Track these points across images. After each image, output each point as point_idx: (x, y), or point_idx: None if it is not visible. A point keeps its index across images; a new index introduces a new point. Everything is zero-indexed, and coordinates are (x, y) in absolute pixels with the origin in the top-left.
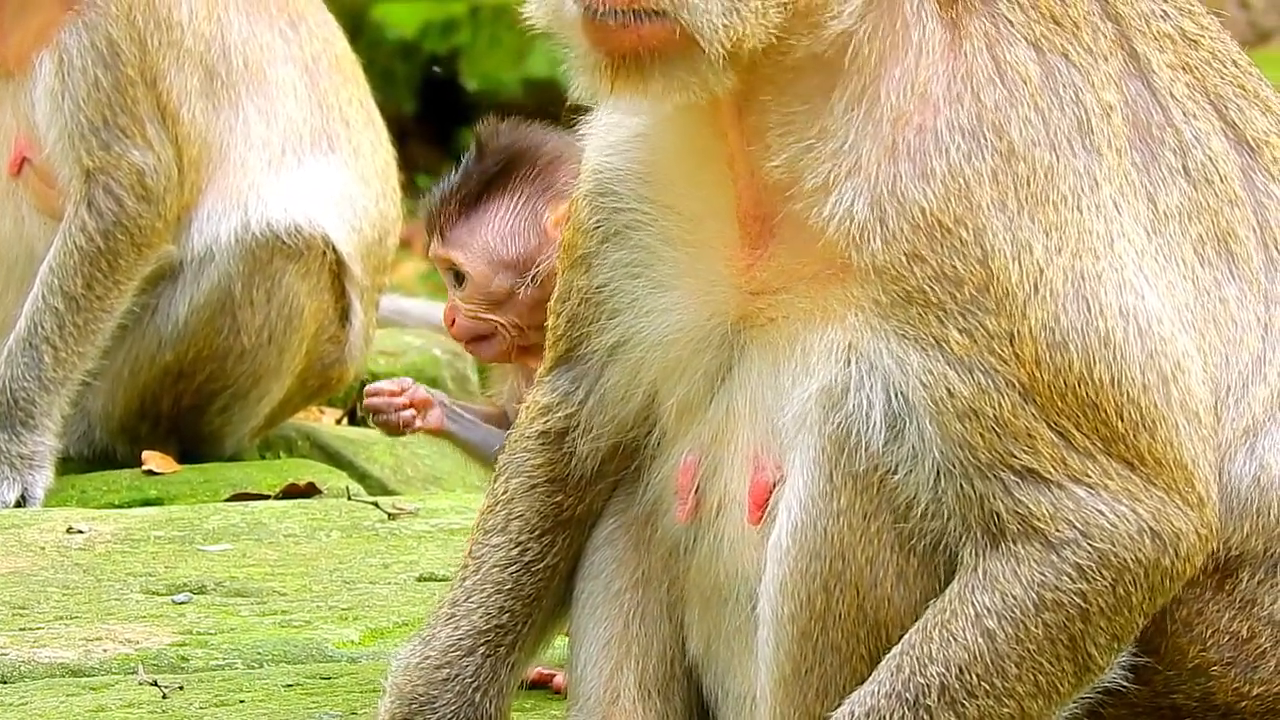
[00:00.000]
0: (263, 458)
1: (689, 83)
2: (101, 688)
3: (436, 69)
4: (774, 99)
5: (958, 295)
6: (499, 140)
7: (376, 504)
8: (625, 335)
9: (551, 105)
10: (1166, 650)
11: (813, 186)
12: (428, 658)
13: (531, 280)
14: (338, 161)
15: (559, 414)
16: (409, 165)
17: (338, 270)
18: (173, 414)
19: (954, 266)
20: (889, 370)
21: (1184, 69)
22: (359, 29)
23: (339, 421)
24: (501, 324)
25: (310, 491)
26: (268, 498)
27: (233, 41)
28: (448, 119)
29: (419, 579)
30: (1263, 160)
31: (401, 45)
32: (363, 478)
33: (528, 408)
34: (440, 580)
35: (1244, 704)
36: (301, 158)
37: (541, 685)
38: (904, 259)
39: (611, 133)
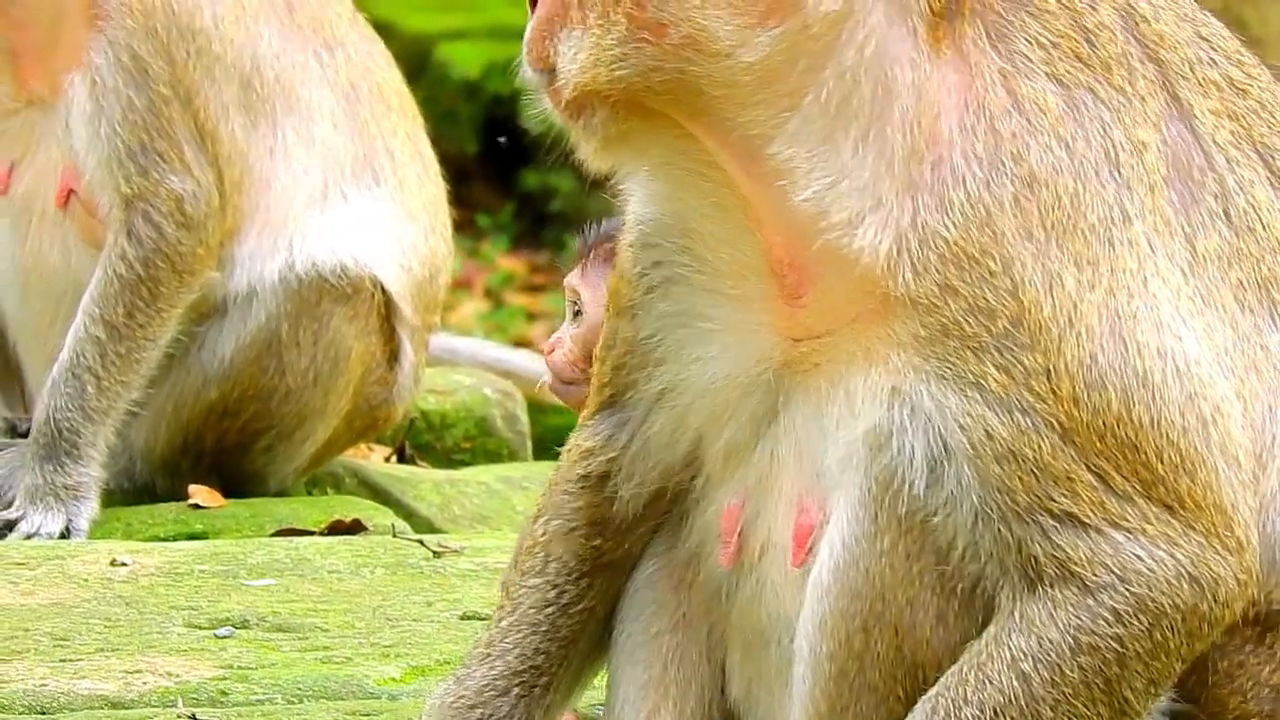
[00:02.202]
0: (309, 494)
1: (596, 131)
2: None
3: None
4: (787, 146)
5: (992, 328)
6: None
7: (422, 542)
8: (672, 383)
9: None
10: (1207, 700)
11: (840, 219)
12: (462, 697)
13: None
14: (384, 196)
15: (601, 458)
16: (470, 205)
17: (386, 311)
18: (215, 451)
19: (985, 298)
20: (930, 414)
21: (1230, 116)
22: (423, 68)
23: (387, 459)
24: (587, 380)
25: (356, 528)
26: (313, 534)
27: (263, 53)
28: (509, 160)
29: (462, 617)
30: None
31: (465, 85)
32: (410, 516)
33: (569, 451)
34: (483, 619)
35: None
36: (345, 192)
37: None
38: (937, 290)
39: (649, 185)
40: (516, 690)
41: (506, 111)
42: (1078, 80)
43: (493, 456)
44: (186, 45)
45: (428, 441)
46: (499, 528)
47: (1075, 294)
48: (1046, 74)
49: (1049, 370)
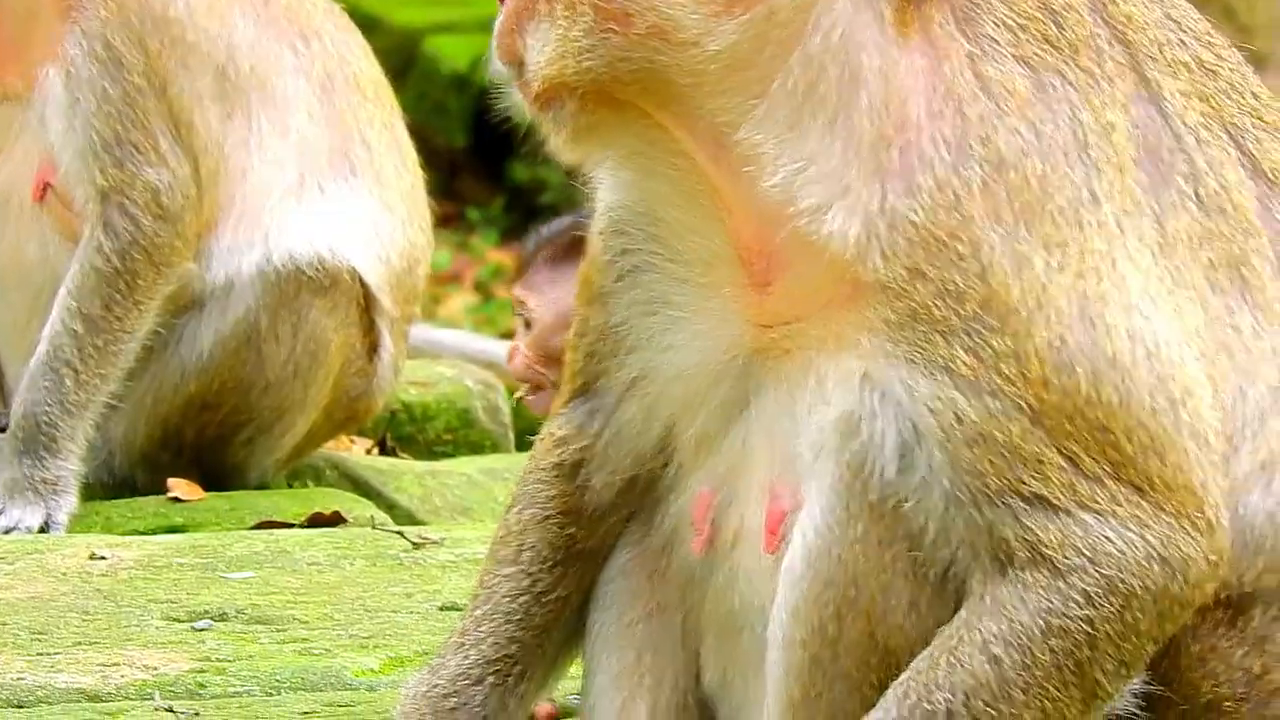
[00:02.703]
0: (290, 486)
1: (566, 122)
2: (118, 713)
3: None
4: (755, 133)
5: (961, 311)
6: None
7: (402, 533)
8: (643, 371)
9: None
10: (1180, 684)
11: (809, 205)
12: (436, 686)
13: None
14: (360, 187)
15: (574, 446)
16: (460, 199)
17: (365, 303)
18: (195, 444)
19: (954, 281)
20: (900, 398)
21: (1199, 97)
22: (411, 61)
23: (369, 451)
24: (552, 382)
25: (336, 520)
26: (293, 526)
27: (238, 43)
28: (499, 153)
29: (441, 608)
30: None
31: (454, 78)
32: (391, 508)
33: (543, 439)
34: (462, 610)
35: None
36: (322, 183)
37: None
38: (905, 274)
39: (618, 174)
40: (491, 679)
41: (495, 104)
42: (1045, 63)
43: (475, 448)
44: (161, 35)
45: (409, 433)
46: (480, 519)
47: (1044, 276)
48: (1014, 57)
49: (1018, 353)
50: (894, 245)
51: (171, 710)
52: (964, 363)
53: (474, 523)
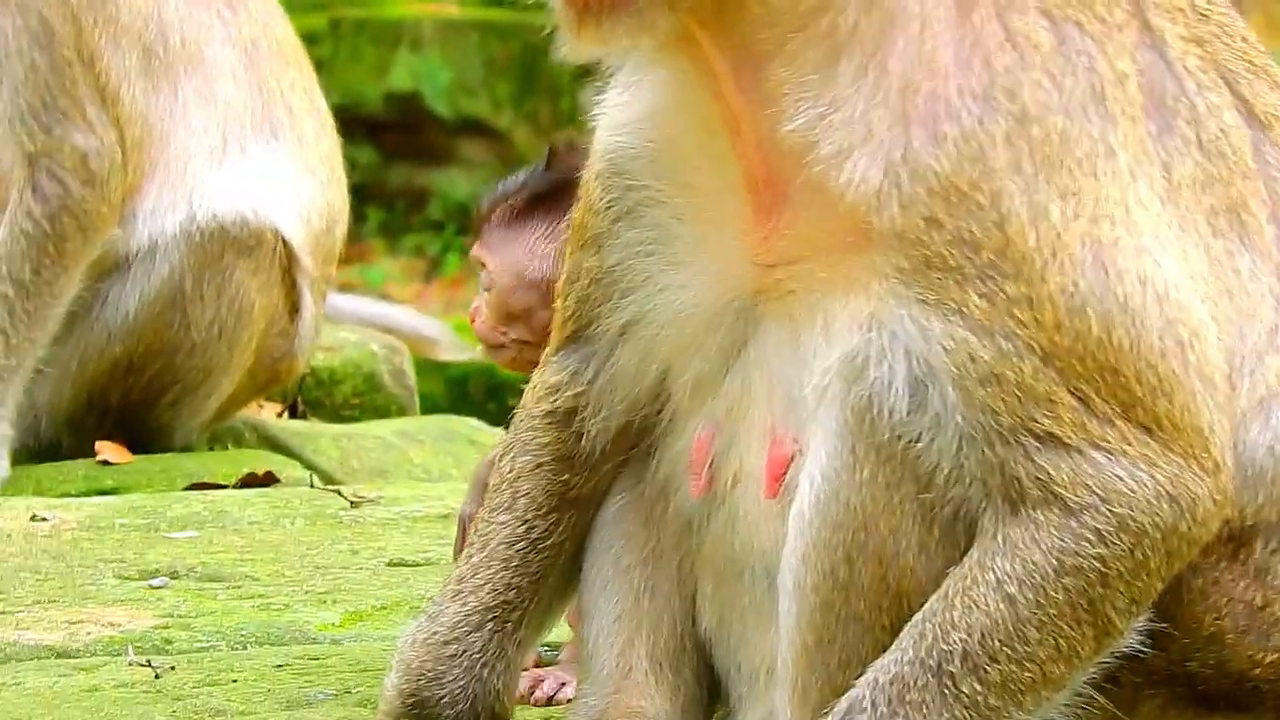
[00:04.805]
0: (211, 449)
1: (635, 26)
2: (92, 668)
3: None
4: (785, 68)
5: (975, 259)
6: (562, 161)
7: (339, 492)
8: (638, 314)
9: (413, 118)
10: (1183, 619)
11: (828, 152)
12: (435, 633)
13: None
14: (282, 150)
15: (568, 393)
16: None
17: (288, 263)
18: (121, 407)
19: (971, 231)
20: (911, 336)
21: (1195, 42)
22: None
23: (279, 415)
24: (513, 339)
25: (269, 481)
26: (226, 487)
27: (170, 19)
28: None
29: (389, 564)
30: (1273, 135)
31: None
32: (310, 469)
33: (534, 387)
34: (411, 566)
35: (1257, 671)
36: (245, 145)
37: None
38: (922, 224)
39: (622, 112)
40: (490, 625)
41: None
42: (1064, 14)
43: (381, 412)
44: (95, 12)
45: (317, 398)
46: (395, 480)
47: (1060, 225)
48: (1037, 7)
49: (1031, 299)
50: (914, 194)
51: (149, 664)
52: (977, 307)
53: (390, 484)
